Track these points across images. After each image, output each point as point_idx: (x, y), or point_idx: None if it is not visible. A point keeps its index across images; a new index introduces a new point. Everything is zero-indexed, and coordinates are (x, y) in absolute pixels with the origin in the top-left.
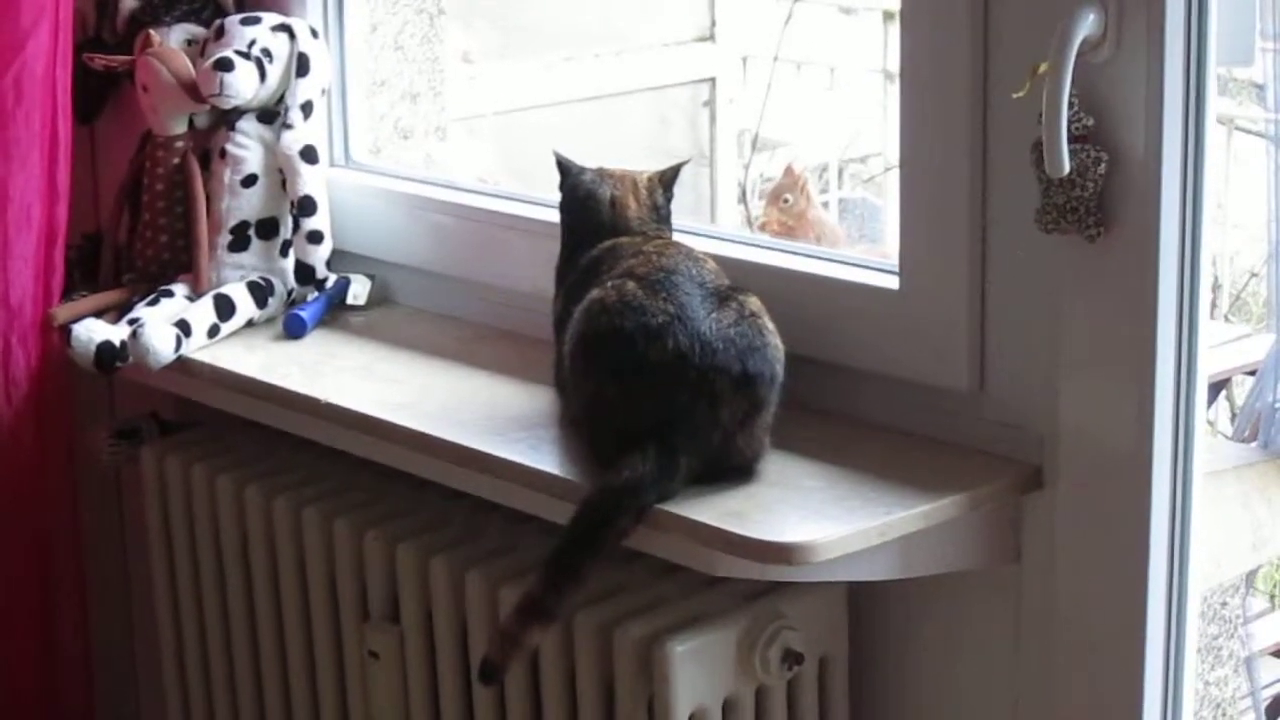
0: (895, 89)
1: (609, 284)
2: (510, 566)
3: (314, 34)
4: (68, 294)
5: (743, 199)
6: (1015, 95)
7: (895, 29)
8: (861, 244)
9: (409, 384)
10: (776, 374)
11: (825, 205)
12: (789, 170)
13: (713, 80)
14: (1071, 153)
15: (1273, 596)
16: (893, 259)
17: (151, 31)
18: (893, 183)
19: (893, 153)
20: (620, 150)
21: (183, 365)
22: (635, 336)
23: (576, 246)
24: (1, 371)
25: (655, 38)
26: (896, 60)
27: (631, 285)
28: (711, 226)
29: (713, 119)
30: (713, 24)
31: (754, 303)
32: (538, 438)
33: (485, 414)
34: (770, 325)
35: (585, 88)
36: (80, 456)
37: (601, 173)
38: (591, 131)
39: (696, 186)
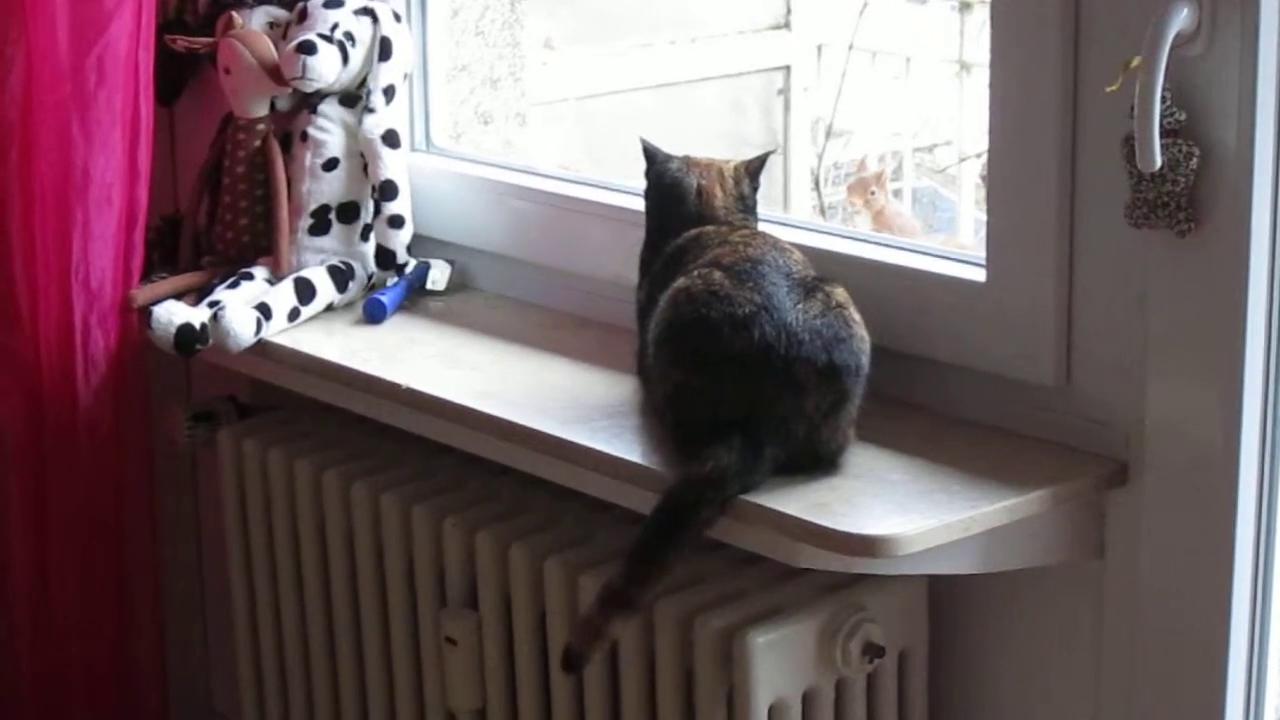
0: (969, 79)
1: (695, 273)
2: (589, 555)
3: (396, 18)
4: (147, 276)
5: (816, 187)
6: (1108, 89)
7: (970, 19)
8: (935, 237)
9: (489, 370)
10: (862, 365)
11: (898, 194)
12: (863, 164)
13: (787, 68)
14: (1163, 147)
15: None
16: (967, 250)
17: (234, 13)
18: (966, 174)
19: (965, 143)
20: (694, 137)
21: (262, 348)
22: (721, 326)
23: (661, 235)
24: (80, 353)
25: (731, 25)
26: (971, 50)
27: (718, 275)
28: (789, 215)
29: (787, 107)
30: (788, 12)
31: (840, 293)
32: (620, 426)
33: (566, 401)
34: (857, 316)
35: (660, 74)
36: (157, 438)
37: (688, 161)
38: (666, 118)
39: (769, 174)
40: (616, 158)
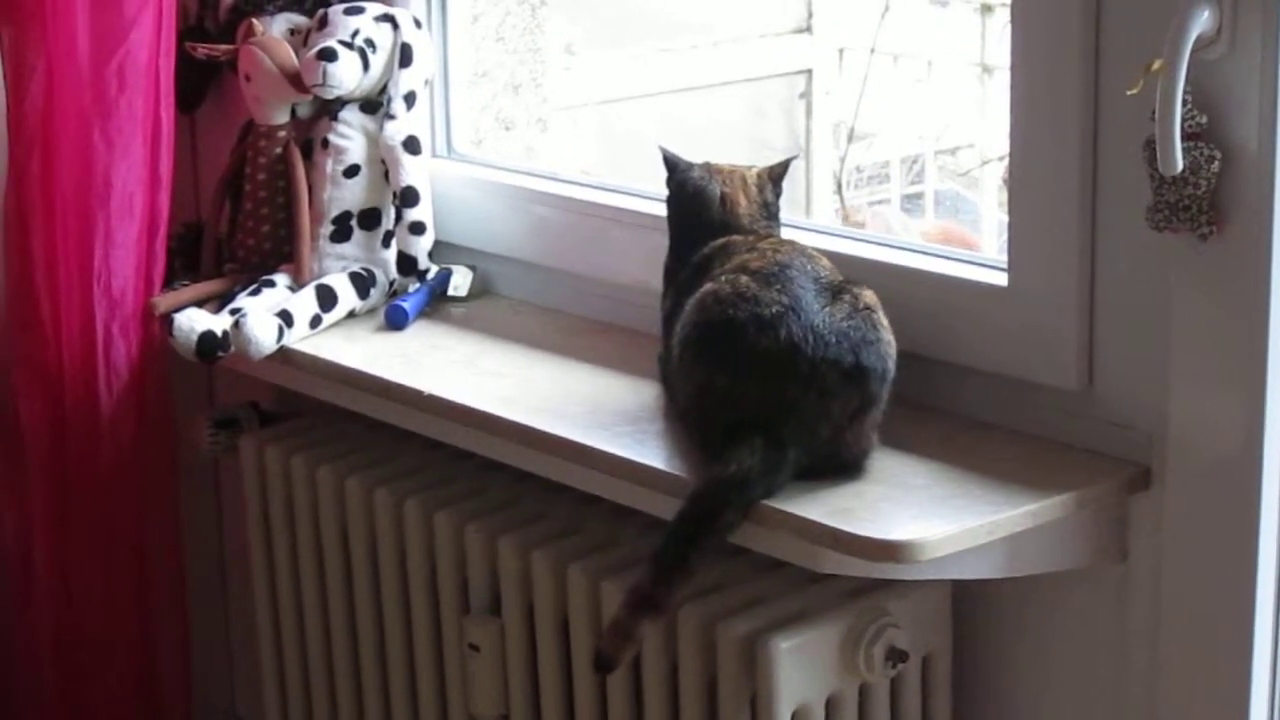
0: (991, 82)
1: (723, 278)
2: (612, 560)
3: (417, 24)
4: (169, 283)
5: (838, 191)
6: (1129, 92)
7: (991, 21)
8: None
9: (511, 376)
10: (889, 369)
11: (920, 197)
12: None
13: (809, 72)
14: (1184, 150)
15: None
16: (984, 252)
17: (254, 20)
18: (988, 176)
19: (988, 146)
20: (716, 142)
21: (284, 355)
22: (747, 326)
23: (686, 244)
24: (103, 361)
25: (752, 29)
26: (993, 53)
27: (745, 278)
28: (812, 219)
29: (809, 111)
30: (809, 16)
31: (869, 296)
32: (642, 432)
33: (589, 407)
34: (884, 320)
35: (681, 79)
36: (180, 446)
37: (709, 168)
38: (687, 123)
39: (791, 178)
40: (638, 163)
